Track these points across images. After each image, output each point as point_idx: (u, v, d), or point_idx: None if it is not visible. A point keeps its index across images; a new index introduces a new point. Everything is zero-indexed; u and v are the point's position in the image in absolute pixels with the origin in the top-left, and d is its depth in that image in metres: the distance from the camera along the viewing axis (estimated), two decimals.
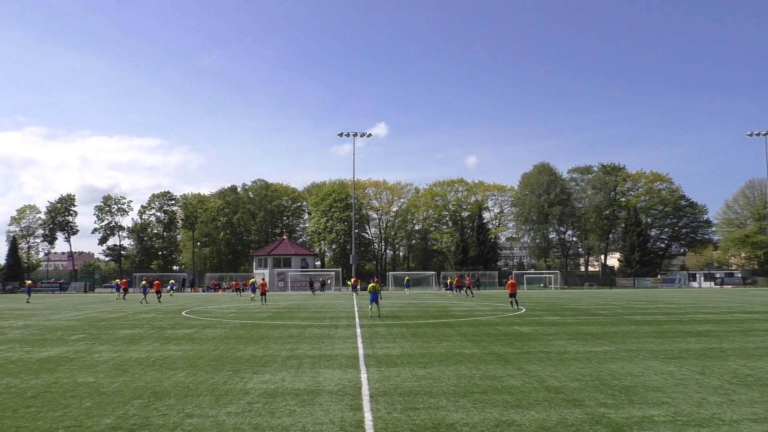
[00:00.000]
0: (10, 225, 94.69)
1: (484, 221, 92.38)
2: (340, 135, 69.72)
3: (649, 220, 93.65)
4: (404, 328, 19.34)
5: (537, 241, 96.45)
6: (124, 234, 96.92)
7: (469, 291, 48.16)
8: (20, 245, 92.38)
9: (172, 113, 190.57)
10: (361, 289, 54.80)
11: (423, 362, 12.04)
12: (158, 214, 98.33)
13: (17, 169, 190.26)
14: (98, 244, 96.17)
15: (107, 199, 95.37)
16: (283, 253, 76.75)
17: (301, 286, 67.22)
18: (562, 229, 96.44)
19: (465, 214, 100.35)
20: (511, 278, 31.87)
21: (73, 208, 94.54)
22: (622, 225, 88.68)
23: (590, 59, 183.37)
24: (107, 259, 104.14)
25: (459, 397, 8.66)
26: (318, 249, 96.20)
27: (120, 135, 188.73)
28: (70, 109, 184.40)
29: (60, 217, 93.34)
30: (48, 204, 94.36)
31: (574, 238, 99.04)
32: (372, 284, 25.10)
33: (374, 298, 24.36)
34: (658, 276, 79.93)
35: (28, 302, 41.94)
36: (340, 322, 21.86)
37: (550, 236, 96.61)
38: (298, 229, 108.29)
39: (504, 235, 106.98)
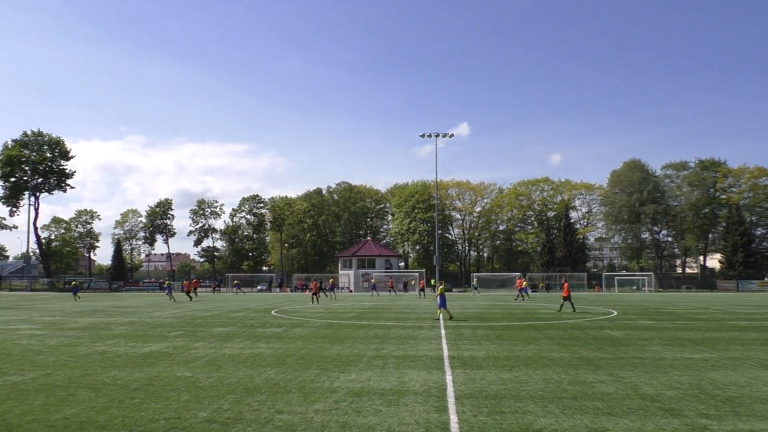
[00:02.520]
0: (115, 228, 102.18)
1: (572, 221, 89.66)
2: (422, 136, 69.68)
3: (753, 218, 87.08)
4: (489, 330, 19.07)
5: (628, 241, 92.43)
6: (217, 236, 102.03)
7: (522, 294, 45.84)
8: (124, 247, 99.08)
9: (259, 119, 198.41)
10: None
11: (509, 365, 11.82)
12: (248, 216, 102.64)
13: (120, 176, 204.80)
14: (194, 245, 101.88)
15: (201, 203, 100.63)
16: (368, 254, 77.77)
17: (383, 287, 67.68)
18: (655, 228, 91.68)
19: (551, 214, 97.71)
20: (565, 281, 31.61)
21: (170, 212, 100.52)
22: (723, 224, 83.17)
23: (681, 47, 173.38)
24: (202, 260, 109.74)
25: (547, 402, 8.43)
26: (402, 250, 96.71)
27: (212, 141, 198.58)
28: (166, 117, 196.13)
29: (159, 220, 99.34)
30: (148, 208, 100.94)
31: (669, 238, 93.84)
32: (441, 287, 24.76)
33: (443, 301, 23.94)
34: (766, 279, 74.29)
35: (76, 299, 44.30)
36: (424, 323, 21.85)
37: (643, 236, 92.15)
38: (381, 230, 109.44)
39: (593, 235, 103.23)
